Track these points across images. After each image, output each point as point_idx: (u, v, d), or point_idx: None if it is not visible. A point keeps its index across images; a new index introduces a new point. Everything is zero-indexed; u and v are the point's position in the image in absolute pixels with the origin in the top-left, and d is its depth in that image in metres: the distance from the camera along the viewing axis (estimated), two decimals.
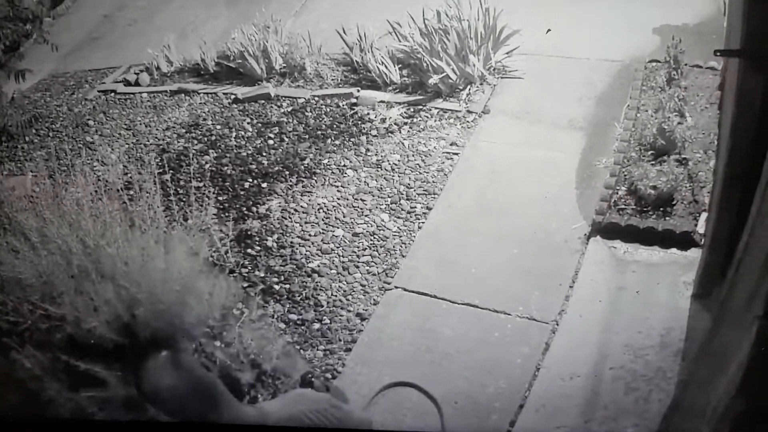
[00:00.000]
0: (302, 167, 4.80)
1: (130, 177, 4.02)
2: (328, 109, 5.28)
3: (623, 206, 4.11)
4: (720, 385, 2.42)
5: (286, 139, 5.06)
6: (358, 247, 4.19)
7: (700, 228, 3.86)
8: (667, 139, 4.30)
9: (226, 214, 4.44)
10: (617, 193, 4.19)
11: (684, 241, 3.86)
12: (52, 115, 5.76)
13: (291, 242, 4.28)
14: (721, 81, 4.59)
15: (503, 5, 5.32)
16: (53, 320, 3.30)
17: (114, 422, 3.01)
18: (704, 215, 3.89)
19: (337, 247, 4.21)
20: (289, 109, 5.35)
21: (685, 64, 4.78)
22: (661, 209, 4.03)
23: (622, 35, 5.42)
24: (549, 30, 5.49)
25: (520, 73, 5.32)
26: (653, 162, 4.27)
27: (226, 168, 4.89)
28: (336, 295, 3.94)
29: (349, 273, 4.05)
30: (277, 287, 4.02)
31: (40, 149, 5.36)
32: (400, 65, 5.40)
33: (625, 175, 4.26)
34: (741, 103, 2.85)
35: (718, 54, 3.13)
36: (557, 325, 3.61)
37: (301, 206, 4.51)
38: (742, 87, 2.82)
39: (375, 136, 4.96)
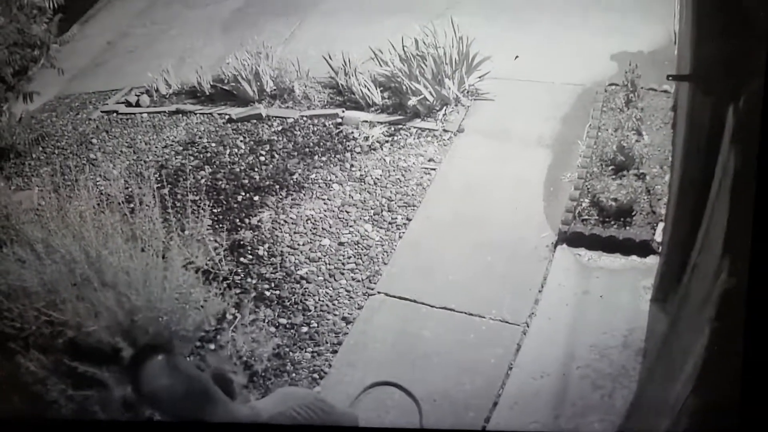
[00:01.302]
0: (291, 182, 4.76)
1: (131, 191, 3.95)
2: (316, 128, 5.25)
3: (587, 217, 4.11)
4: (678, 382, 2.41)
5: (277, 156, 5.02)
6: (343, 256, 4.15)
7: (658, 237, 3.87)
8: (626, 156, 4.32)
9: (221, 226, 4.38)
10: (581, 205, 4.19)
11: (643, 248, 3.87)
12: (58, 134, 5.67)
13: (281, 251, 4.23)
14: (674, 103, 4.63)
15: (475, 34, 5.34)
16: (56, 326, 3.23)
17: (112, 422, 2.94)
18: (661, 225, 3.91)
19: (324, 256, 4.16)
20: (279, 128, 5.31)
21: (641, 88, 4.81)
22: (622, 220, 4.04)
23: (583, 61, 5.46)
24: (517, 56, 5.52)
25: (491, 96, 5.34)
26: (614, 176, 4.28)
27: (220, 182, 4.83)
28: (323, 301, 3.89)
29: (335, 279, 4.01)
30: (267, 293, 3.97)
31: (46, 165, 5.26)
32: (381, 88, 5.39)
33: (588, 189, 4.27)
34: (692, 122, 2.87)
35: (671, 78, 3.16)
36: (528, 327, 3.59)
37: (291, 218, 4.47)
38: (692, 108, 2.84)
39: (359, 153, 4.94)
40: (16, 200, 4.28)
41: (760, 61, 2.00)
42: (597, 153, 4.53)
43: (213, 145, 5.23)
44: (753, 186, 2.05)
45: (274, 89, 5.67)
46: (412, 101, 5.13)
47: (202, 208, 3.99)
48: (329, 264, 4.11)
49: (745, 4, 2.23)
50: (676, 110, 3.97)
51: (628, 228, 3.99)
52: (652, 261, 3.78)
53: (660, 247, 3.77)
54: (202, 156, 5.13)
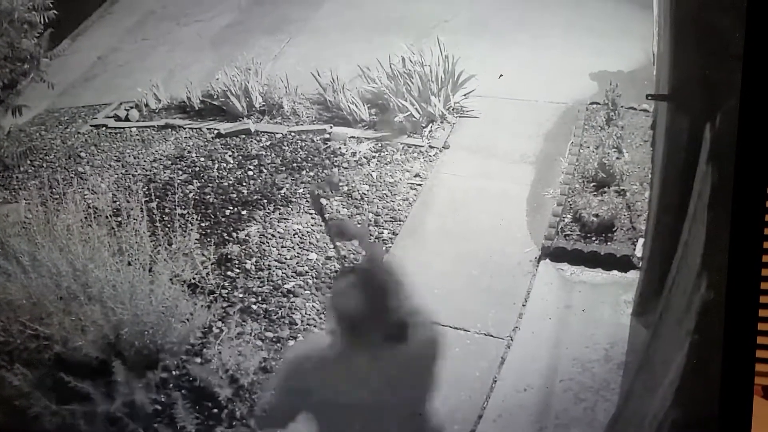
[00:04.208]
0: (279, 196, 4.75)
1: (119, 205, 3.93)
2: (304, 144, 5.25)
3: (569, 232, 4.14)
4: (658, 394, 2.42)
5: (265, 171, 5.01)
6: (330, 270, 4.13)
7: (638, 252, 3.90)
8: (607, 173, 4.36)
9: (208, 239, 4.35)
10: (564, 221, 4.22)
11: (624, 263, 3.89)
12: (47, 148, 5.61)
13: (268, 265, 4.20)
14: (653, 121, 4.69)
15: (461, 53, 5.39)
16: (42, 340, 3.18)
17: None
18: (641, 240, 3.94)
19: (311, 270, 4.15)
20: (268, 143, 5.31)
21: (622, 106, 4.86)
22: (603, 235, 4.06)
23: (566, 80, 5.51)
24: (501, 75, 5.56)
25: (476, 113, 5.37)
26: (595, 193, 4.32)
27: (208, 197, 4.81)
28: (309, 314, 3.87)
29: (322, 293, 3.99)
30: (254, 307, 3.94)
31: (34, 179, 5.20)
32: (369, 105, 5.41)
33: (570, 205, 4.30)
34: (670, 140, 2.91)
35: (650, 98, 3.20)
36: (512, 340, 3.59)
37: (278, 232, 4.45)
38: (670, 126, 2.88)
39: (346, 168, 4.95)
40: (3, 213, 4.23)
41: (736, 80, 2.04)
42: (579, 170, 4.57)
43: (201, 159, 5.22)
44: (730, 201, 2.08)
45: (263, 105, 5.67)
46: (399, 118, 5.15)
47: (190, 222, 3.97)
48: (316, 278, 4.09)
49: (721, 25, 2.27)
50: (655, 128, 4.03)
51: (609, 243, 4.01)
52: (633, 275, 3.81)
53: (640, 262, 3.79)
54: (190, 170, 5.11)
